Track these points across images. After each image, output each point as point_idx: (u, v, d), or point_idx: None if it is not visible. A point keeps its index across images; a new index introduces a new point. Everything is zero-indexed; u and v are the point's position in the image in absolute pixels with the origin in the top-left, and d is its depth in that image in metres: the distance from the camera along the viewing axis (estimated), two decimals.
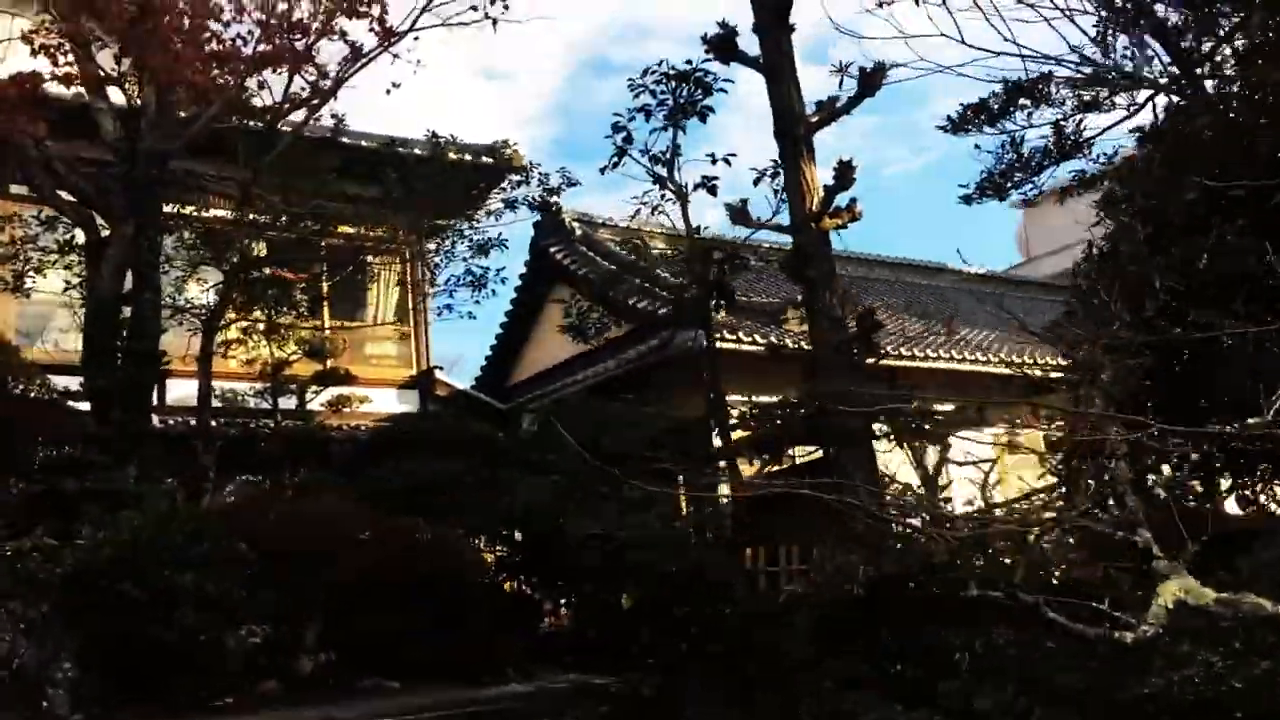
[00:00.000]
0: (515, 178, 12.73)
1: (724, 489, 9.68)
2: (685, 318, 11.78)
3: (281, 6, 9.25)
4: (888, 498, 4.75)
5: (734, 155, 9.55)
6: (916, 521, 4.38)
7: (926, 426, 7.88)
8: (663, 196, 9.17)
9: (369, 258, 13.81)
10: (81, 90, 9.62)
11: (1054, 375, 17.27)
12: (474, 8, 9.88)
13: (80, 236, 10.73)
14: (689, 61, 9.36)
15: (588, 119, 72.90)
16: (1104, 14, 6.77)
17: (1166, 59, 6.99)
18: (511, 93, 67.32)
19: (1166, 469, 4.36)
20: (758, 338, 13.75)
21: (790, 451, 11.30)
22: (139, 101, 9.73)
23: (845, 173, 11.14)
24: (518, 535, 11.63)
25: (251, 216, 11.49)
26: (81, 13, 8.33)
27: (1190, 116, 6.49)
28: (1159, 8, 6.71)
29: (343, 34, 9.39)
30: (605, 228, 19.15)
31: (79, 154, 10.28)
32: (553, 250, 18.34)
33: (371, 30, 9.53)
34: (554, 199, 13.07)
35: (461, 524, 10.92)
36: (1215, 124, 6.07)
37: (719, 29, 10.85)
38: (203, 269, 12.17)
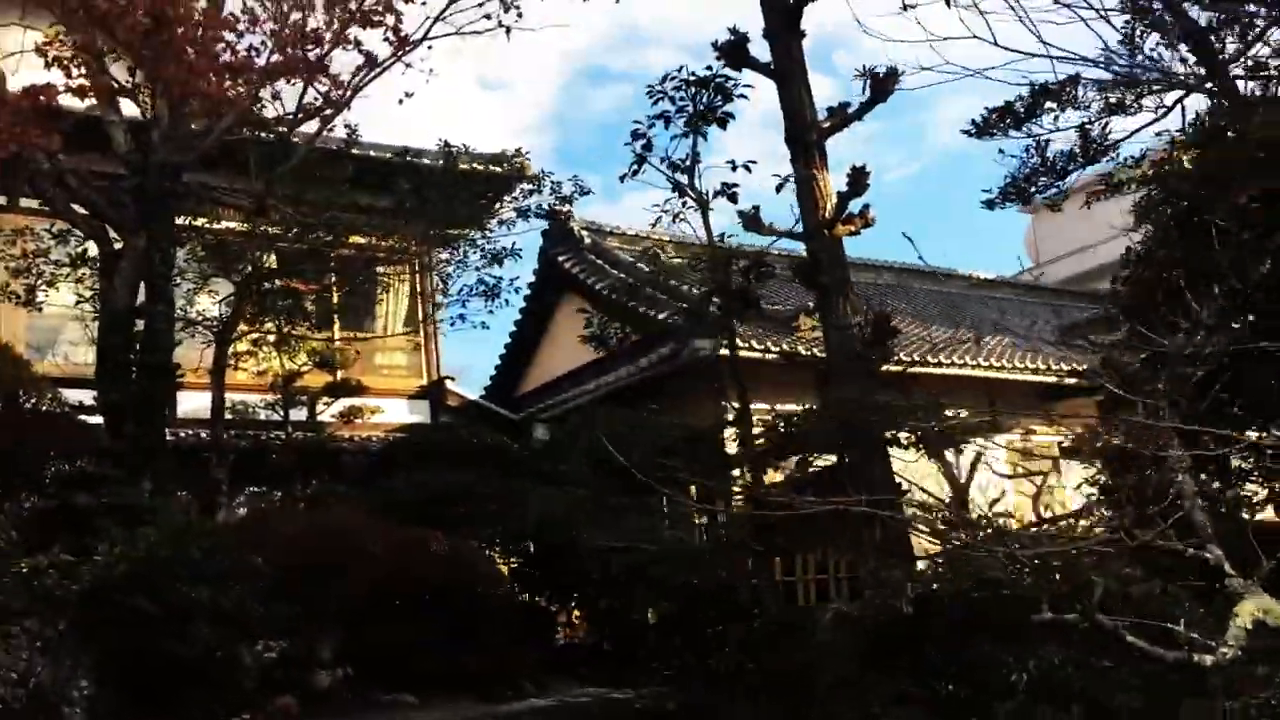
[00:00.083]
0: (527, 186, 12.70)
1: (744, 498, 9.59)
2: (703, 326, 11.71)
3: (295, 17, 9.22)
4: (938, 511, 4.65)
5: (754, 162, 9.47)
6: (960, 535, 4.27)
7: (957, 436, 7.78)
8: (684, 204, 9.09)
9: (380, 268, 13.75)
10: (94, 103, 9.58)
11: (1068, 381, 17.39)
12: (487, 16, 9.87)
13: (92, 249, 10.69)
14: (709, 68, 9.31)
15: (586, 128, 72.99)
16: (1132, 15, 6.71)
17: (1193, 60, 6.93)
18: (509, 102, 67.41)
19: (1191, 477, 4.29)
20: (770, 345, 13.68)
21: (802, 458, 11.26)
22: (151, 114, 9.69)
23: (859, 179, 11.07)
24: (531, 547, 11.57)
25: (263, 228, 11.44)
26: (95, 25, 8.28)
27: (1230, 118, 6.41)
28: (1188, 7, 6.64)
29: (357, 43, 9.35)
30: (614, 236, 19.10)
31: (91, 167, 10.24)
32: (561, 259, 18.30)
33: (386, 40, 9.50)
34: (567, 207, 13.02)
35: (475, 535, 10.87)
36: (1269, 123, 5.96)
37: (730, 35, 10.78)
38: (214, 281, 12.13)
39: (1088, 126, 7.60)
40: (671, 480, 10.52)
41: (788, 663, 6.31)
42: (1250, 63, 6.86)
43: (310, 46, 9.15)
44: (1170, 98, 7.07)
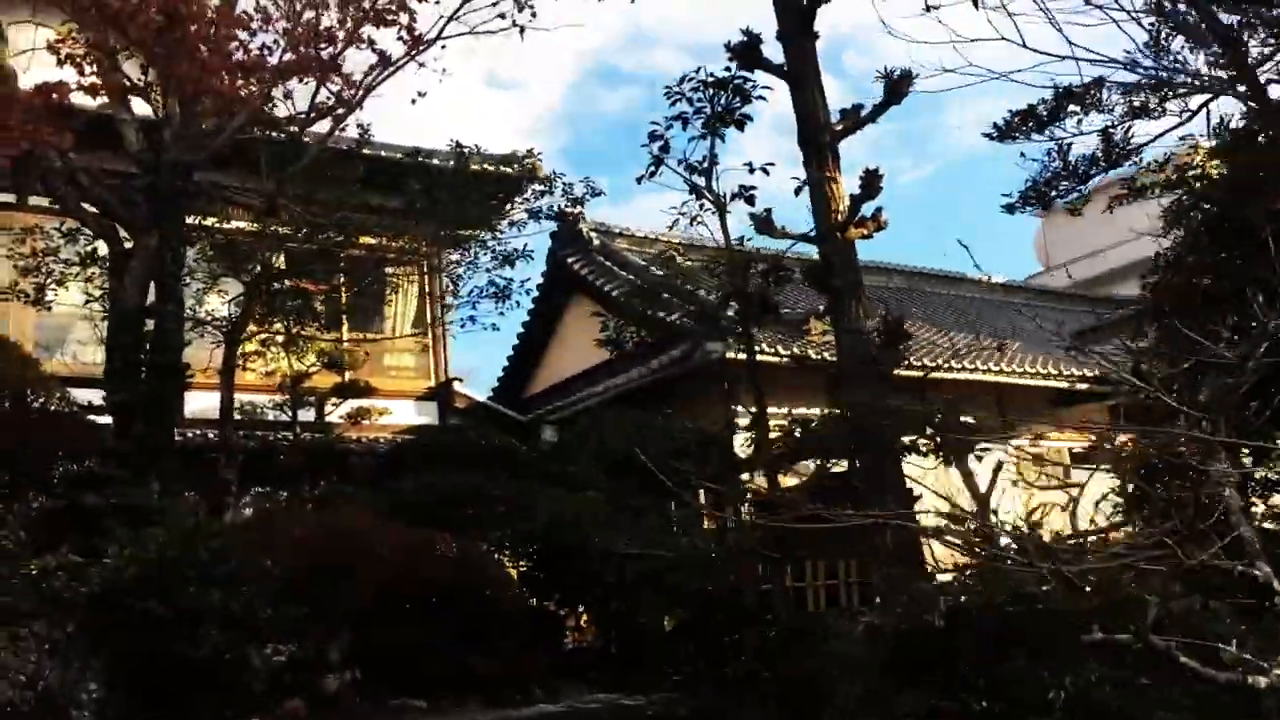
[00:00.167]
0: (538, 187, 12.65)
1: (760, 503, 9.50)
2: (715, 330, 11.63)
3: (308, 15, 9.16)
4: (965, 522, 4.56)
5: (772, 164, 9.39)
6: (992, 547, 4.18)
7: (976, 442, 7.68)
8: (701, 206, 9.01)
9: (390, 269, 13.70)
10: (105, 101, 9.53)
11: (1080, 387, 17.29)
12: (501, 15, 9.81)
13: (102, 248, 10.64)
14: (727, 68, 9.23)
15: (594, 129, 73.00)
16: (1158, 17, 6.63)
17: (1220, 64, 6.83)
18: (516, 102, 67.44)
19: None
20: (781, 349, 13.61)
21: (809, 463, 11.18)
22: (164, 112, 9.64)
23: (872, 181, 10.99)
24: (540, 549, 11.49)
25: (274, 228, 11.39)
26: (107, 23, 8.23)
27: (1261, 122, 6.32)
28: (1216, 9, 6.54)
29: (371, 42, 9.30)
30: (623, 238, 19.05)
31: (102, 165, 10.19)
32: (570, 260, 18.25)
33: (400, 39, 9.44)
34: (578, 209, 12.95)
35: (483, 537, 10.81)
36: None
37: (743, 36, 10.72)
38: (223, 281, 12.08)
39: (1110, 130, 7.53)
40: (683, 484, 10.46)
41: (803, 670, 6.23)
42: None
43: (323, 45, 9.10)
44: (1195, 102, 7.02)
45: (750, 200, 9.18)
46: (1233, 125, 7.14)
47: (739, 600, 8.30)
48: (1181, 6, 6.68)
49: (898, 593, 8.48)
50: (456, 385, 15.93)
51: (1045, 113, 7.51)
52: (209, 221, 11.80)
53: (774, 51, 11.12)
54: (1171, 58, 6.77)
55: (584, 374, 17.06)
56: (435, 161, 12.92)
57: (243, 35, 9.03)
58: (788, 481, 10.06)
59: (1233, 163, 6.55)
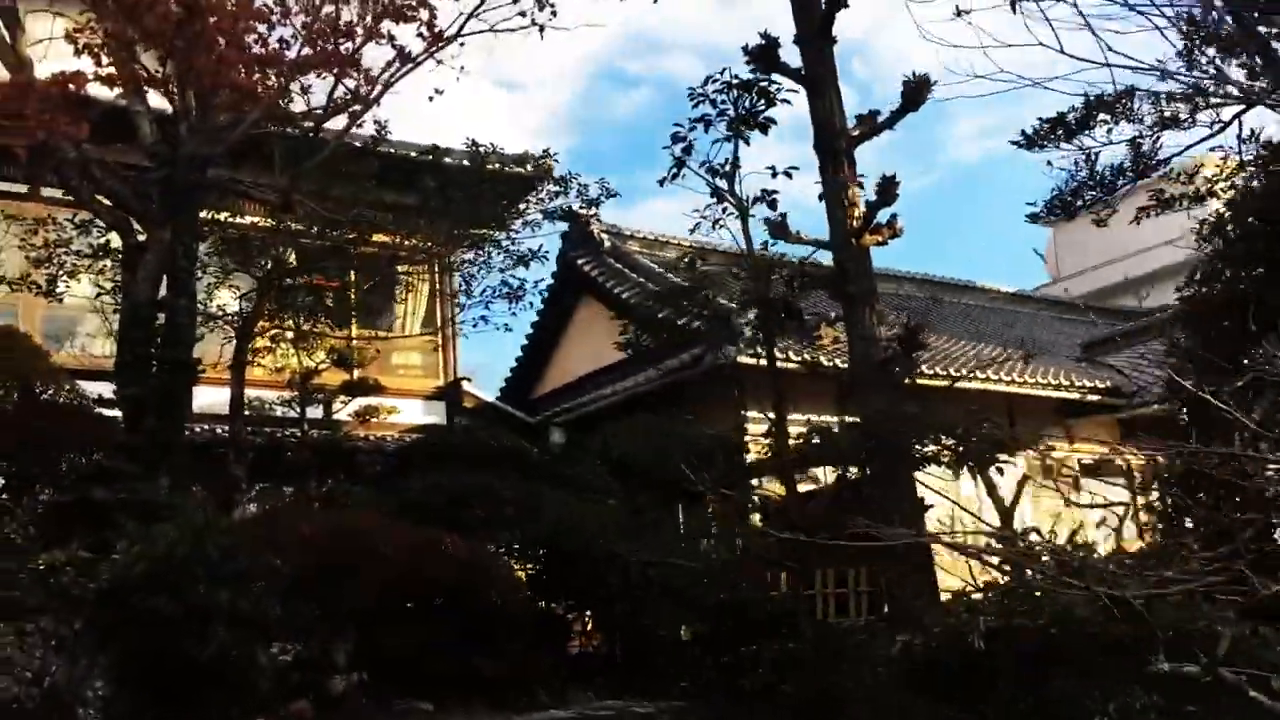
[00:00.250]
0: (553, 188, 12.57)
1: (777, 510, 9.41)
2: (730, 334, 11.54)
3: (327, 9, 9.09)
4: (1011, 542, 4.46)
5: (795, 168, 9.31)
6: (1040, 567, 4.07)
7: (1005, 452, 7.59)
8: (724, 210, 8.93)
9: (402, 267, 13.63)
10: (121, 92, 9.47)
11: (1091, 399, 17.18)
12: (522, 14, 9.72)
13: (114, 241, 10.58)
14: (752, 70, 9.14)
15: (603, 130, 73.00)
16: (1189, 26, 6.55)
17: (1253, 75, 6.76)
18: (526, 103, 67.44)
19: None
20: (792, 354, 13.53)
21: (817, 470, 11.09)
22: (180, 105, 9.57)
23: (888, 188, 10.92)
24: (548, 552, 11.41)
25: (287, 223, 11.33)
26: (124, 14, 8.16)
27: None
28: (1250, 18, 6.46)
29: (390, 38, 9.22)
30: (634, 240, 19.00)
31: (116, 158, 10.12)
32: (581, 262, 18.20)
33: (419, 35, 9.36)
34: (592, 210, 12.88)
35: (492, 539, 10.74)
36: None
37: (761, 39, 10.65)
38: (234, 276, 12.03)
39: (1139, 140, 7.44)
40: (699, 490, 10.37)
41: (825, 685, 6.13)
42: None
43: (342, 40, 9.03)
44: (1227, 113, 6.94)
45: (773, 204, 9.11)
46: (1264, 137, 7.09)
47: (754, 610, 8.19)
48: (1214, 16, 6.60)
49: (912, 604, 8.41)
50: (465, 385, 15.86)
51: (1075, 121, 7.42)
52: (222, 216, 11.74)
53: (790, 56, 11.09)
54: (1202, 68, 6.69)
55: (593, 376, 16.99)
56: (450, 160, 12.86)
57: (261, 28, 8.97)
58: (801, 488, 9.99)
59: (1270, 174, 6.45)
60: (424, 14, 9.18)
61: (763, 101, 8.83)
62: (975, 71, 5.68)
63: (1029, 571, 4.27)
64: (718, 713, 7.43)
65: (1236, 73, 6.78)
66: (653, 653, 10.13)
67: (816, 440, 8.31)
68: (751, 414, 13.77)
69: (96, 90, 8.99)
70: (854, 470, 8.72)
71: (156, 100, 10.16)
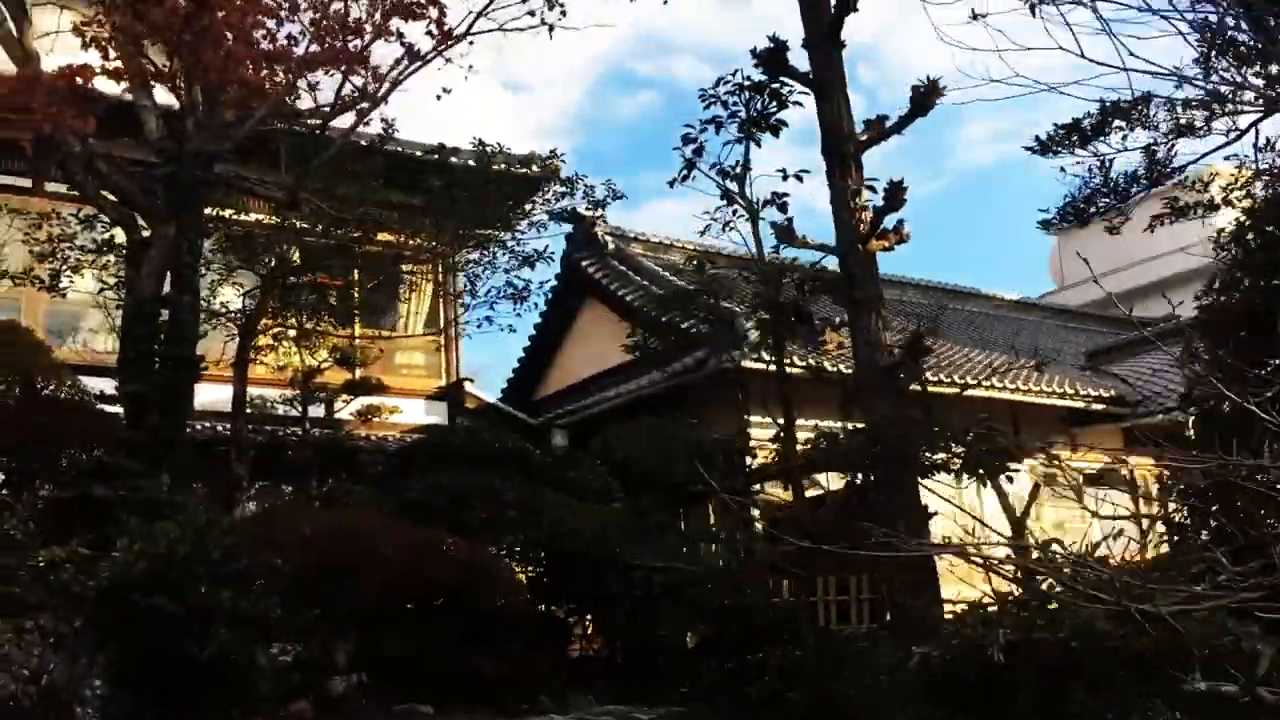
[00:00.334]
0: (560, 189, 12.52)
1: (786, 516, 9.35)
2: (734, 338, 11.49)
3: (336, 6, 9.05)
4: (1027, 552, 4.40)
5: (806, 171, 9.25)
6: (1062, 578, 3.99)
7: (1011, 462, 7.53)
8: (735, 213, 8.86)
9: (406, 266, 13.58)
10: (127, 86, 9.42)
11: (1095, 407, 17.12)
12: (531, 13, 9.68)
13: (119, 236, 10.53)
14: (761, 73, 9.08)
15: (606, 132, 73.02)
16: (1206, 33, 6.50)
17: (1271, 83, 6.71)
18: (529, 104, 67.44)
19: None
20: (796, 359, 13.46)
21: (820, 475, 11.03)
22: (187, 100, 9.53)
23: (896, 193, 10.86)
24: (550, 555, 11.36)
25: (292, 221, 11.28)
26: (132, 6, 8.10)
27: None
28: (1272, 24, 6.41)
29: (399, 35, 9.16)
30: (638, 242, 18.97)
31: (121, 154, 10.07)
32: (585, 264, 18.15)
33: (428, 33, 9.31)
34: (599, 211, 12.83)
35: (494, 540, 10.69)
36: None
37: (769, 42, 10.60)
38: (238, 273, 11.98)
39: (1154, 148, 7.40)
40: (705, 495, 10.31)
41: (834, 694, 6.07)
42: None
43: (351, 37, 8.97)
44: (1244, 120, 6.89)
45: (783, 207, 9.05)
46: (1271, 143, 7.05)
47: (758, 616, 8.13)
48: (1230, 22, 6.56)
49: (924, 613, 8.35)
50: (467, 386, 15.80)
51: (1090, 127, 7.37)
52: (227, 213, 11.70)
53: (798, 60, 11.03)
54: (1221, 73, 6.65)
55: (596, 378, 16.93)
56: (456, 160, 12.81)
57: (269, 24, 8.93)
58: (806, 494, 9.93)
59: None
60: (433, 11, 9.14)
61: (774, 103, 8.78)
62: (990, 75, 5.61)
63: (1050, 583, 4.20)
64: (724, 718, 7.36)
65: (1253, 80, 6.74)
66: (654, 657, 10.08)
67: (824, 446, 8.24)
68: (754, 418, 13.72)
69: (103, 85, 8.94)
70: (854, 476, 8.65)
71: (163, 95, 10.12)
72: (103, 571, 6.95)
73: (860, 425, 8.82)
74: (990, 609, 5.33)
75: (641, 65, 74.91)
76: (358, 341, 14.00)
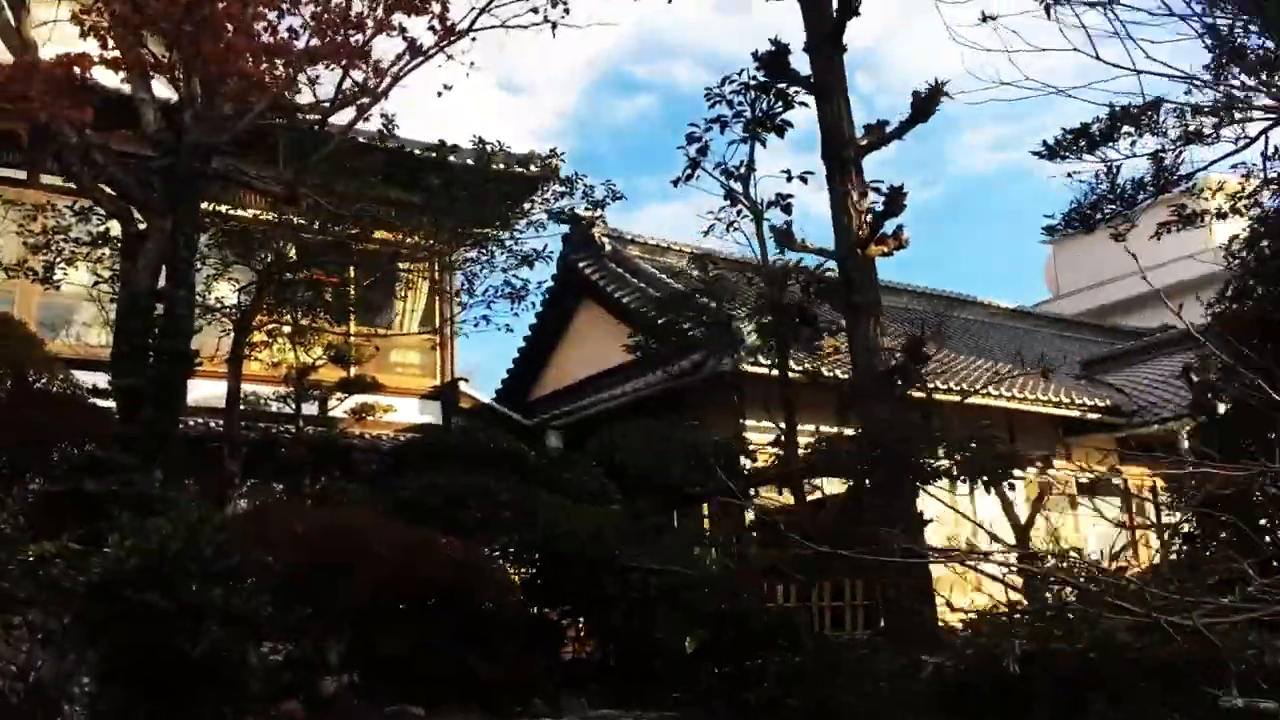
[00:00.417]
0: (559, 188, 12.46)
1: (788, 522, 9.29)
2: (731, 340, 11.43)
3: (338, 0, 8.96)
4: (1037, 559, 4.34)
5: (810, 173, 9.20)
6: (1086, 587, 3.93)
7: (1013, 468, 7.47)
8: (739, 213, 8.81)
9: (403, 264, 13.50)
10: (125, 78, 9.33)
11: (1091, 416, 17.11)
12: (534, 10, 9.60)
13: (114, 229, 10.44)
14: (767, 75, 9.04)
15: (604, 136, 73.00)
16: (1216, 41, 6.46)
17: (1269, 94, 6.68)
18: (527, 106, 67.42)
19: None
20: (793, 364, 13.41)
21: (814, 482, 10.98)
22: (185, 92, 9.44)
23: (895, 199, 10.85)
24: (544, 557, 11.29)
25: (289, 217, 11.19)
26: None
27: None
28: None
29: (402, 30, 9.08)
30: (634, 244, 18.95)
31: (118, 146, 9.97)
32: (581, 265, 18.12)
33: (430, 28, 9.22)
34: (598, 212, 12.77)
35: (488, 541, 10.62)
36: None
37: (771, 45, 10.56)
38: (234, 269, 11.89)
39: (1162, 154, 7.35)
40: (703, 498, 10.24)
41: (822, 698, 6.00)
42: None
43: (352, 31, 8.89)
44: (1253, 129, 6.85)
45: (787, 209, 9.02)
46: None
47: (754, 620, 8.06)
48: (1240, 29, 6.53)
49: (913, 619, 8.31)
50: (462, 385, 15.72)
51: (1099, 132, 7.34)
52: (223, 208, 11.62)
53: (799, 64, 10.99)
54: (1231, 80, 6.61)
55: (592, 379, 16.87)
56: (455, 158, 12.74)
57: (270, 16, 8.83)
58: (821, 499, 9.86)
59: None
60: (436, 6, 9.06)
61: (780, 103, 8.73)
62: (999, 78, 5.55)
63: (1066, 591, 4.14)
64: None
65: (1263, 89, 6.69)
66: (649, 660, 10.01)
67: (824, 450, 8.19)
68: (750, 422, 13.68)
69: (101, 75, 8.85)
70: (860, 481, 8.59)
71: (161, 87, 10.04)
72: (94, 567, 6.86)
73: (857, 430, 8.77)
74: (1003, 618, 5.26)
75: (639, 69, 74.95)
76: (353, 339, 13.92)
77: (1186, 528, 5.48)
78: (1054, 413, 16.89)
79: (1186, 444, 15.37)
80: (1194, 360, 16.08)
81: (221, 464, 10.91)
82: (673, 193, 9.73)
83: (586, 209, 12.60)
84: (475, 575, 9.55)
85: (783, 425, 8.56)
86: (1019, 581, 4.86)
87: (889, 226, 10.76)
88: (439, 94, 9.81)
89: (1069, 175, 7.69)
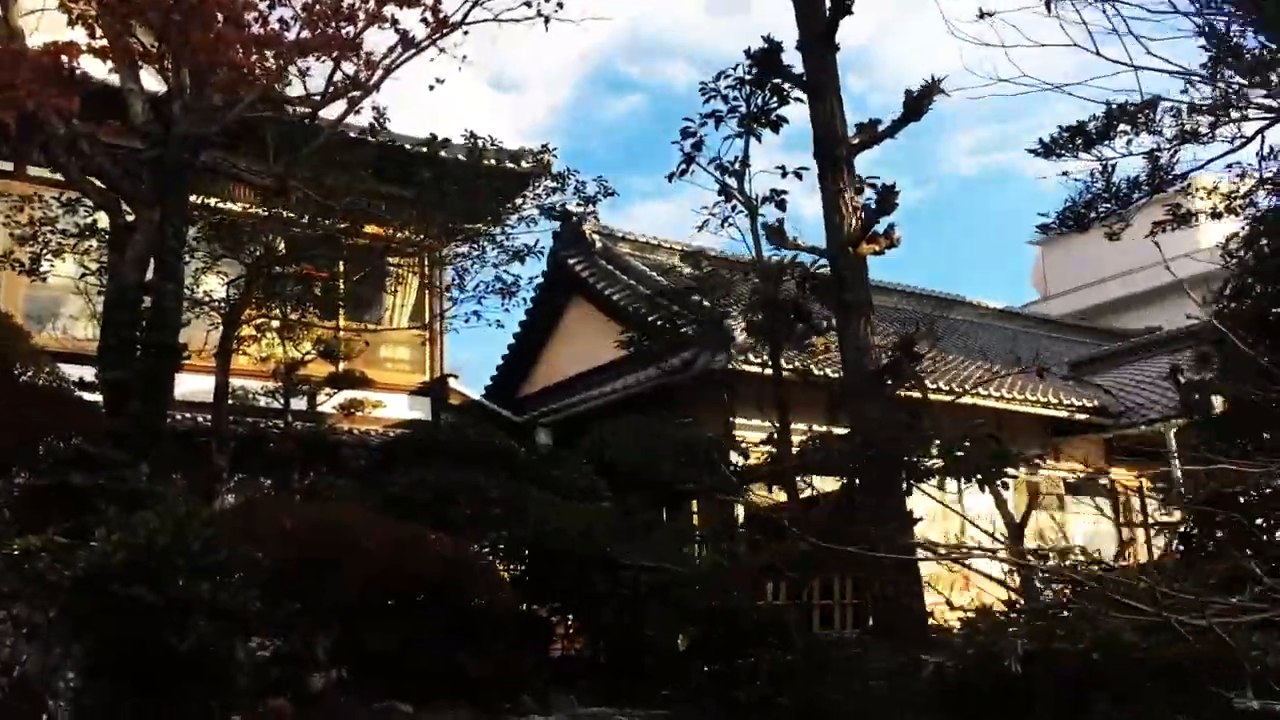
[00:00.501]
0: (550, 184, 12.41)
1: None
2: (722, 338, 11.40)
3: None
4: (1036, 557, 4.32)
5: (805, 168, 9.19)
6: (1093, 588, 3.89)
7: (1007, 467, 7.45)
8: (733, 208, 8.77)
9: (393, 259, 13.42)
10: (113, 68, 9.23)
11: (1079, 417, 17.16)
12: (528, 3, 9.54)
13: (102, 221, 10.34)
14: (760, 73, 9.01)
15: (594, 135, 72.94)
16: (1211, 41, 6.45)
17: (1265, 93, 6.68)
18: (517, 104, 67.32)
19: None
20: (783, 362, 13.38)
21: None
22: (174, 83, 9.35)
23: (887, 197, 10.85)
24: (533, 554, 11.26)
25: (278, 210, 11.11)
26: None
27: None
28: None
29: (394, 22, 9.01)
30: (625, 241, 18.93)
31: (106, 138, 9.88)
32: (572, 262, 18.08)
33: (423, 20, 9.15)
34: (590, 208, 12.73)
35: (478, 537, 10.59)
36: None
37: (764, 42, 10.54)
38: (223, 262, 11.81)
39: (1157, 154, 7.35)
40: (694, 495, 10.20)
41: (812, 696, 5.97)
42: None
43: (344, 23, 8.82)
44: (1249, 128, 6.84)
45: (781, 205, 8.99)
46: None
47: (744, 618, 8.04)
48: (1237, 29, 6.53)
49: (905, 616, 8.30)
50: (452, 382, 15.66)
51: (1096, 130, 7.34)
52: (212, 201, 11.53)
53: (792, 62, 10.96)
54: (1225, 82, 6.60)
55: (582, 376, 16.85)
56: (446, 153, 12.68)
57: (261, 6, 8.76)
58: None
59: None
60: None
61: (775, 98, 8.70)
62: (996, 74, 5.54)
63: (1064, 589, 4.11)
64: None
65: (1257, 92, 6.70)
66: (639, 657, 9.99)
67: (817, 448, 8.17)
68: (740, 420, 13.67)
69: (89, 65, 8.76)
70: (852, 480, 8.58)
71: (150, 78, 9.95)
72: (80, 561, 6.78)
73: (848, 429, 8.76)
74: (1002, 616, 5.24)
75: (630, 68, 74.91)
76: (342, 334, 13.85)
77: (1184, 527, 5.47)
78: (1042, 413, 16.95)
79: (1174, 445, 15.45)
80: (1181, 362, 16.18)
81: (209, 459, 10.83)
82: (663, 192, 9.83)
83: (578, 204, 12.56)
84: (464, 572, 9.51)
85: (774, 423, 8.53)
86: (1016, 580, 4.84)
87: (880, 225, 10.78)
88: (431, 87, 9.75)
89: (1063, 174, 7.72)
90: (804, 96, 10.51)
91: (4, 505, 7.68)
